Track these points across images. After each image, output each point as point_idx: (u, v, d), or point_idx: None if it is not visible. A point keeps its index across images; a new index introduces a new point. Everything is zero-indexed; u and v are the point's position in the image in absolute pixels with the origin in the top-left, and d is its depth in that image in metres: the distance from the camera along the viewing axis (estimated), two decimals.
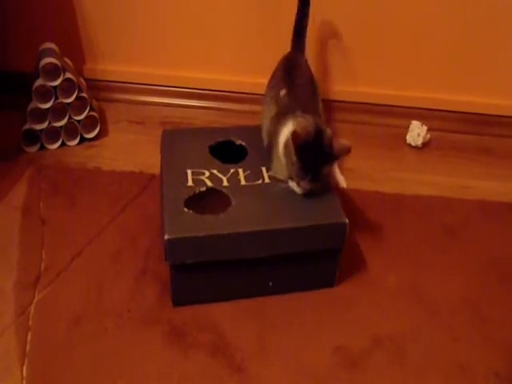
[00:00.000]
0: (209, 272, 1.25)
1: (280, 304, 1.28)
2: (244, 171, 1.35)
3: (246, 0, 1.79)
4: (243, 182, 1.32)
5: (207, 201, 1.29)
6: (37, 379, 1.11)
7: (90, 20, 1.86)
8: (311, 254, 1.26)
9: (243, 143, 1.44)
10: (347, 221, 1.22)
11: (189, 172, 1.34)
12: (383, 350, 1.20)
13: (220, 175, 1.33)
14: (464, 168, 1.72)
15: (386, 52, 1.83)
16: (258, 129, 1.45)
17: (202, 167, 1.35)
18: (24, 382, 1.10)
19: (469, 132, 1.87)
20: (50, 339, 1.18)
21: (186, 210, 1.23)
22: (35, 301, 1.26)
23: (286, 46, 1.80)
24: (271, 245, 1.22)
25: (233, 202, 1.26)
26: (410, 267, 1.38)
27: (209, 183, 1.31)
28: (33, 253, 1.37)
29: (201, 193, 1.29)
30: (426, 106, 1.87)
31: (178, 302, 1.27)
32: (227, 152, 1.41)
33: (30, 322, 1.21)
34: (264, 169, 1.35)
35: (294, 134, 1.19)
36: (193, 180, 1.31)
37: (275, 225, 1.21)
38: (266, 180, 1.33)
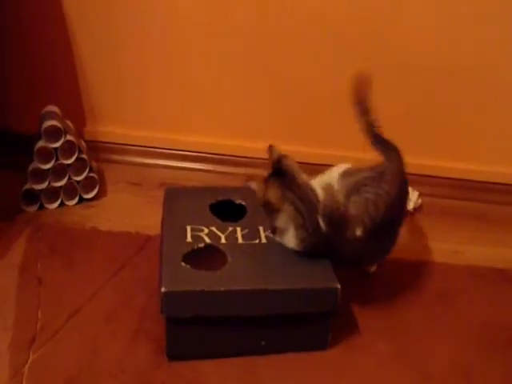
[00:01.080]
0: (203, 327, 1.26)
1: (272, 366, 1.28)
2: (242, 230, 1.39)
3: (245, 65, 1.86)
4: (240, 241, 1.36)
5: (205, 257, 1.32)
6: None
7: (91, 83, 1.93)
8: (304, 316, 1.27)
9: (243, 202, 1.48)
10: (339, 286, 1.24)
11: (188, 228, 1.37)
12: None
13: (218, 233, 1.37)
14: (454, 233, 1.75)
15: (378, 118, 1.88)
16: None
17: (201, 224, 1.39)
18: None
19: (459, 198, 1.91)
20: None
21: (183, 264, 1.26)
22: (30, 361, 1.25)
23: (282, 112, 1.86)
24: (263, 304, 1.24)
25: (229, 260, 1.29)
26: (402, 332, 1.39)
27: (207, 240, 1.35)
28: (29, 312, 1.37)
29: (199, 249, 1.32)
30: (417, 172, 1.91)
31: (172, 355, 1.28)
32: (227, 211, 1.45)
33: (24, 383, 1.20)
34: (261, 228, 1.39)
35: None
36: (192, 236, 1.35)
37: (268, 285, 1.24)
38: (263, 240, 1.36)
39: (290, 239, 1.30)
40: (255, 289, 1.23)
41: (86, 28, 1.85)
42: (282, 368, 1.28)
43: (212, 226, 1.40)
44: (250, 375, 1.26)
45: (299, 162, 1.90)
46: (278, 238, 1.33)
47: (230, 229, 1.39)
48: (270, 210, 1.31)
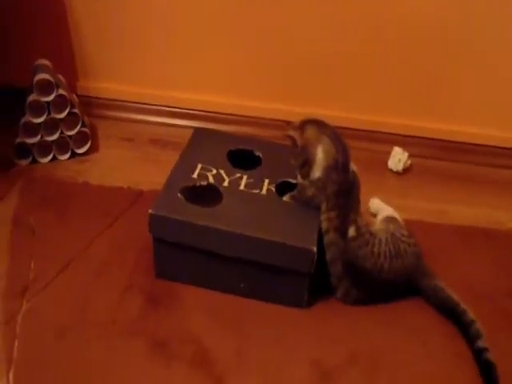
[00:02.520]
0: (187, 254, 1.34)
1: (259, 317, 1.32)
2: (248, 178, 1.44)
3: (238, 23, 1.85)
4: (242, 187, 1.41)
5: (204, 194, 1.39)
6: None
7: (83, 38, 1.91)
8: (280, 270, 1.31)
9: (260, 155, 1.53)
10: (315, 249, 1.27)
11: (199, 166, 1.45)
12: (358, 365, 1.24)
13: (225, 176, 1.44)
14: (442, 194, 1.78)
15: (370, 80, 1.89)
16: (279, 146, 1.55)
17: (212, 165, 1.46)
18: None
19: (448, 159, 1.93)
20: (36, 347, 1.21)
21: (179, 195, 1.34)
22: (23, 310, 1.28)
23: (276, 69, 1.86)
24: (239, 248, 1.30)
25: (223, 201, 1.35)
26: None
27: (211, 180, 1.41)
28: (22, 263, 1.40)
29: (201, 186, 1.40)
30: (407, 133, 1.94)
31: (159, 273, 1.38)
32: (245, 160, 1.51)
33: (18, 330, 1.24)
34: (266, 181, 1.43)
35: None
36: (199, 173, 1.43)
37: (247, 231, 1.29)
38: (263, 191, 1.41)
39: (316, 170, 1.33)
40: (233, 231, 1.29)
41: None
42: (269, 320, 1.32)
43: (221, 169, 1.46)
44: (239, 328, 1.30)
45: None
46: (300, 181, 1.36)
47: (237, 175, 1.45)
48: (307, 150, 1.33)
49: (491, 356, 1.23)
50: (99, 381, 1.16)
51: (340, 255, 1.33)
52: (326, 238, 1.33)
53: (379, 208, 1.58)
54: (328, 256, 1.34)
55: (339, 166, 1.32)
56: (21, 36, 1.91)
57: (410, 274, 1.38)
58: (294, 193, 1.39)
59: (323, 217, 1.33)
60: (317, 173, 1.33)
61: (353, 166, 1.35)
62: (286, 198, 1.40)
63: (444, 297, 1.36)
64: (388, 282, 1.36)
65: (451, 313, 1.34)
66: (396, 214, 1.49)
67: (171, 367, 1.20)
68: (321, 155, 1.32)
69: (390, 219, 1.46)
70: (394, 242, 1.36)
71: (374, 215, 1.57)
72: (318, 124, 1.35)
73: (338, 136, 1.35)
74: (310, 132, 1.34)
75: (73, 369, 1.18)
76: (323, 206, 1.33)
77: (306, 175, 1.35)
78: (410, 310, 1.38)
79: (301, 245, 1.28)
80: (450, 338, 1.32)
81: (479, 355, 1.25)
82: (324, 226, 1.33)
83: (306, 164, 1.33)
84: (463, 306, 1.34)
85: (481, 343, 1.26)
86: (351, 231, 1.32)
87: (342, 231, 1.32)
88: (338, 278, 1.35)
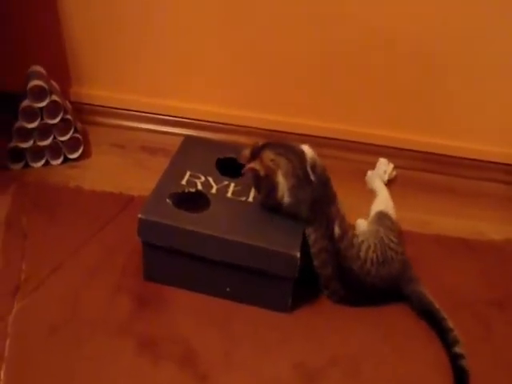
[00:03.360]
0: (175, 258, 1.38)
1: (245, 320, 1.36)
2: (235, 186, 1.48)
3: (227, 34, 1.89)
4: (229, 195, 1.45)
5: (192, 201, 1.43)
6: (14, 383, 1.17)
7: (77, 45, 1.94)
8: (265, 275, 1.35)
9: None
10: (299, 254, 1.31)
11: (188, 173, 1.49)
12: (339, 367, 1.28)
13: (213, 183, 1.48)
14: (425, 204, 1.82)
15: (357, 91, 1.94)
16: None
17: (200, 172, 1.51)
18: None
19: (433, 171, 1.98)
20: (27, 346, 1.24)
21: (167, 200, 1.38)
22: (14, 310, 1.31)
23: (263, 80, 1.90)
24: (226, 252, 1.33)
25: (211, 208, 1.39)
26: None
27: (199, 187, 1.45)
28: (13, 264, 1.42)
29: (189, 192, 1.43)
30: (393, 145, 1.99)
31: (147, 276, 1.42)
32: (233, 168, 1.53)
33: (9, 329, 1.26)
34: (253, 189, 1.47)
35: None
36: (187, 180, 1.47)
37: (233, 236, 1.33)
38: (250, 199, 1.45)
39: (283, 195, 1.36)
40: (219, 236, 1.33)
41: None
42: (255, 322, 1.36)
43: (210, 176, 1.50)
44: (226, 329, 1.34)
45: (282, 132, 1.98)
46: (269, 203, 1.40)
47: (225, 183, 1.49)
48: (269, 178, 1.36)
49: (466, 363, 1.28)
50: (89, 378, 1.19)
51: (330, 258, 1.37)
52: (316, 247, 1.37)
53: (377, 188, 1.61)
54: (318, 262, 1.38)
55: (302, 181, 1.36)
56: (14, 43, 1.93)
57: (396, 281, 1.42)
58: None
59: (308, 231, 1.37)
60: (285, 198, 1.37)
61: (311, 156, 1.38)
62: None
63: (427, 303, 1.40)
64: (374, 286, 1.40)
65: (432, 319, 1.39)
66: (389, 204, 1.54)
67: (159, 366, 1.23)
68: (282, 180, 1.36)
69: (381, 217, 1.49)
70: (381, 249, 1.40)
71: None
72: (271, 146, 1.38)
73: (290, 148, 1.39)
74: (267, 157, 1.36)
75: (63, 367, 1.21)
76: (306, 222, 1.38)
77: (274, 203, 1.38)
78: (391, 315, 1.42)
79: (285, 250, 1.32)
80: (428, 343, 1.36)
81: (455, 361, 1.29)
82: (311, 238, 1.37)
83: (271, 193, 1.37)
84: (443, 313, 1.38)
85: (458, 349, 1.30)
86: (336, 230, 1.36)
87: (329, 234, 1.36)
88: (328, 279, 1.39)
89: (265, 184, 1.37)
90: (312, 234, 1.37)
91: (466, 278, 1.57)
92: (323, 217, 1.37)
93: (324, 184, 1.39)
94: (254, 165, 1.35)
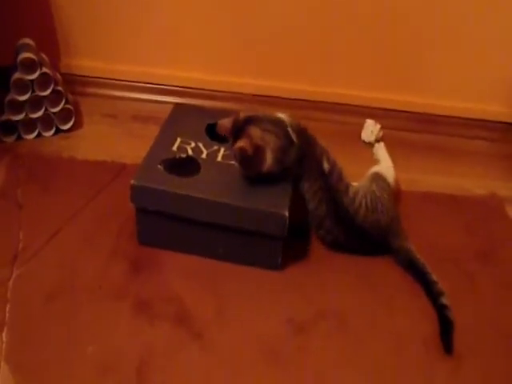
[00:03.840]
0: (168, 222, 1.42)
1: (236, 279, 1.41)
2: (225, 151, 1.51)
3: (217, 1, 1.91)
4: (219, 159, 1.49)
5: (183, 166, 1.46)
6: (16, 344, 1.21)
7: (65, 17, 1.95)
8: (255, 234, 1.39)
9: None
10: (287, 213, 1.35)
11: (178, 139, 1.52)
12: (327, 320, 1.34)
13: (203, 148, 1.51)
14: (412, 163, 1.86)
15: (343, 54, 1.96)
16: None
17: (191, 138, 1.54)
18: (4, 346, 1.21)
19: (419, 131, 2.02)
20: (27, 310, 1.29)
21: (159, 166, 1.41)
22: (13, 276, 1.35)
23: (250, 44, 1.91)
24: (216, 214, 1.38)
25: (201, 172, 1.43)
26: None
27: (190, 152, 1.49)
28: (11, 234, 1.46)
29: (180, 158, 1.47)
30: (379, 106, 2.01)
31: (141, 240, 1.46)
32: None
33: (9, 295, 1.31)
34: (237, 164, 1.48)
35: None
36: (178, 146, 1.50)
37: (223, 198, 1.37)
38: None
39: (267, 163, 1.40)
40: (210, 199, 1.37)
41: None
42: (246, 281, 1.41)
43: (200, 142, 1.53)
44: (218, 288, 1.39)
45: (270, 96, 2.00)
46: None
47: (215, 147, 1.52)
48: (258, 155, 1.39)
49: (451, 314, 1.33)
50: (87, 338, 1.24)
51: (324, 194, 1.42)
52: (311, 191, 1.43)
53: (381, 157, 1.68)
54: (313, 203, 1.43)
55: (286, 147, 1.41)
56: (2, 16, 1.94)
57: (384, 232, 1.46)
58: None
59: (302, 184, 1.43)
60: (272, 168, 1.41)
61: (289, 121, 1.43)
62: None
63: (412, 259, 1.45)
64: (362, 229, 1.44)
65: (417, 273, 1.43)
66: (390, 171, 1.58)
67: (155, 325, 1.28)
68: (269, 154, 1.39)
69: (376, 177, 1.53)
70: (372, 199, 1.45)
71: None
72: (255, 121, 1.40)
73: (272, 121, 1.42)
74: (255, 135, 1.38)
75: (63, 329, 1.25)
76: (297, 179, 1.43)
77: (259, 175, 1.42)
78: (378, 270, 1.47)
79: (274, 210, 1.36)
80: (415, 296, 1.41)
81: (441, 311, 1.34)
82: (305, 187, 1.44)
83: (257, 167, 1.40)
84: (428, 268, 1.43)
85: (443, 301, 1.35)
86: (325, 165, 1.42)
87: (320, 172, 1.42)
88: (322, 218, 1.44)
89: (251, 160, 1.39)
90: (305, 184, 1.43)
91: (452, 231, 1.62)
92: (312, 164, 1.42)
93: (306, 140, 1.44)
94: (244, 144, 1.37)
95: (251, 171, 1.42)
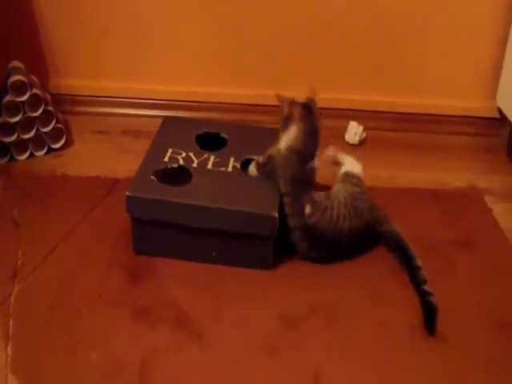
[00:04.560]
0: (162, 230, 1.47)
1: (230, 281, 1.46)
2: (215, 158, 1.57)
3: (205, 14, 1.97)
4: (209, 167, 1.54)
5: (175, 175, 1.51)
6: (21, 356, 1.25)
7: (52, 38, 2.01)
8: (247, 236, 1.45)
9: (226, 136, 1.66)
10: (277, 215, 1.41)
11: (169, 150, 1.57)
12: (317, 315, 1.39)
13: (193, 157, 1.57)
14: (394, 162, 1.92)
15: (325, 59, 2.03)
16: (243, 127, 1.74)
17: (181, 149, 1.59)
18: (9, 359, 1.24)
19: (400, 130, 2.08)
20: (30, 323, 1.33)
21: (152, 177, 1.48)
22: (14, 292, 1.39)
23: (231, 54, 1.96)
24: (209, 219, 1.43)
25: (193, 180, 1.48)
26: None
27: (181, 162, 1.54)
28: (9, 252, 1.50)
29: (172, 168, 1.52)
30: (362, 108, 2.08)
31: (137, 250, 1.51)
32: (212, 142, 1.63)
33: (11, 311, 1.35)
34: (232, 159, 1.57)
35: None
36: (169, 157, 1.56)
37: (215, 203, 1.43)
38: (229, 169, 1.54)
39: (292, 132, 1.48)
40: (203, 205, 1.43)
41: None
42: (238, 282, 1.46)
43: (190, 151, 1.59)
44: (212, 290, 1.44)
45: (252, 105, 2.05)
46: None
47: (205, 156, 1.58)
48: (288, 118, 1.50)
49: (434, 300, 1.38)
50: (90, 345, 1.28)
51: (300, 225, 1.47)
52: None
53: (340, 158, 1.69)
54: (293, 236, 1.48)
55: (300, 156, 1.47)
56: None
57: (369, 226, 1.52)
58: (259, 159, 1.53)
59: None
60: (283, 143, 1.48)
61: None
62: (251, 166, 1.54)
63: (399, 239, 1.52)
64: (351, 238, 1.49)
65: (404, 255, 1.49)
66: (353, 163, 1.62)
67: (155, 329, 1.32)
68: (293, 133, 1.47)
69: (346, 176, 1.58)
70: (350, 201, 1.50)
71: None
72: (305, 109, 1.50)
73: (313, 129, 1.51)
74: (297, 112, 1.49)
75: (65, 338, 1.29)
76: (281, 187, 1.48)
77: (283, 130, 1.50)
78: (365, 264, 1.53)
79: (264, 212, 1.41)
80: (400, 287, 1.46)
81: (424, 298, 1.39)
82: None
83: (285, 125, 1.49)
84: (414, 251, 1.48)
85: (426, 288, 1.40)
86: (307, 209, 1.46)
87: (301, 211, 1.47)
88: (300, 241, 1.49)
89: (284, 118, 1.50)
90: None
91: (433, 222, 1.68)
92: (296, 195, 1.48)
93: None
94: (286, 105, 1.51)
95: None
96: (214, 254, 1.48)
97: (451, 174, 1.88)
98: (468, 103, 2.09)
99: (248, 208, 1.42)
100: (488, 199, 1.78)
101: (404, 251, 1.49)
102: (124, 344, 1.29)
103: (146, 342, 1.30)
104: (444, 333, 1.35)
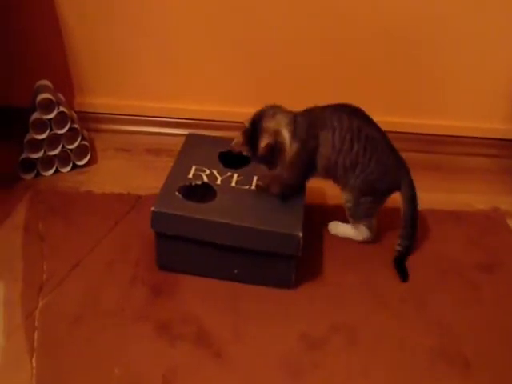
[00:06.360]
0: (186, 246, 1.49)
1: (252, 299, 1.47)
2: (238, 176, 1.59)
3: (229, 37, 2.00)
4: (233, 184, 1.56)
5: (199, 192, 1.54)
6: (45, 369, 1.28)
7: (78, 57, 2.05)
8: (270, 255, 1.46)
9: (248, 155, 1.65)
10: (301, 234, 1.42)
11: (193, 167, 1.60)
12: (339, 335, 1.39)
13: (217, 175, 1.59)
14: (416, 182, 1.90)
15: (343, 81, 2.05)
16: None
17: (205, 166, 1.61)
18: (34, 371, 1.27)
19: (421, 151, 2.08)
20: (54, 336, 1.35)
21: (177, 193, 1.49)
22: (39, 306, 1.42)
23: (261, 78, 1.98)
24: (234, 237, 1.44)
25: (217, 197, 1.50)
26: (365, 267, 1.59)
27: (205, 179, 1.56)
28: (35, 266, 1.53)
29: (196, 185, 1.54)
30: (384, 129, 2.08)
31: (160, 265, 1.53)
32: (235, 160, 1.65)
33: (36, 323, 1.37)
34: (255, 177, 1.59)
35: None
36: (193, 174, 1.58)
37: (240, 221, 1.44)
38: (253, 187, 1.56)
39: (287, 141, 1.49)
40: (227, 222, 1.44)
41: (72, 4, 1.97)
42: (260, 300, 1.47)
43: (214, 169, 1.61)
44: (233, 308, 1.45)
45: None
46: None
47: (229, 174, 1.60)
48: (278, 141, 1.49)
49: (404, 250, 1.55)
50: (113, 360, 1.30)
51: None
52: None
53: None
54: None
55: (293, 118, 1.51)
56: (20, 60, 2.04)
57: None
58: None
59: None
60: (293, 146, 1.50)
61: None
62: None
63: (414, 196, 1.58)
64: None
65: (410, 215, 1.56)
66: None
67: (176, 346, 1.34)
68: (285, 131, 1.49)
69: None
70: None
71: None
72: (261, 117, 1.50)
73: (267, 108, 1.51)
74: (268, 127, 1.48)
75: (88, 351, 1.32)
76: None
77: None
78: (385, 284, 1.54)
79: (288, 231, 1.43)
80: (420, 307, 1.47)
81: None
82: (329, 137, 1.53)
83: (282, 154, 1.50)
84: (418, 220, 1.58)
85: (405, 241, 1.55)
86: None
87: None
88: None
89: (277, 149, 1.49)
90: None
91: (455, 244, 1.68)
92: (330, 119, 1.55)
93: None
94: (267, 139, 1.47)
95: (278, 160, 1.50)
96: (236, 271, 1.49)
97: (473, 196, 1.88)
98: (491, 125, 2.09)
99: (272, 227, 1.44)
100: (511, 222, 1.78)
101: (413, 209, 1.56)
102: (146, 360, 1.31)
103: (167, 358, 1.31)
104: (467, 358, 1.35)
